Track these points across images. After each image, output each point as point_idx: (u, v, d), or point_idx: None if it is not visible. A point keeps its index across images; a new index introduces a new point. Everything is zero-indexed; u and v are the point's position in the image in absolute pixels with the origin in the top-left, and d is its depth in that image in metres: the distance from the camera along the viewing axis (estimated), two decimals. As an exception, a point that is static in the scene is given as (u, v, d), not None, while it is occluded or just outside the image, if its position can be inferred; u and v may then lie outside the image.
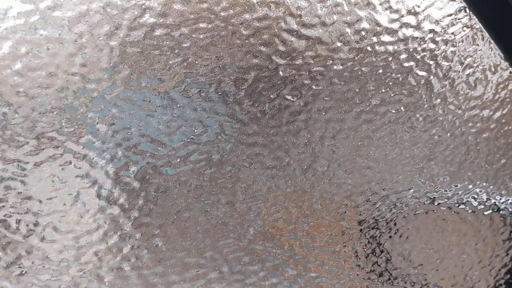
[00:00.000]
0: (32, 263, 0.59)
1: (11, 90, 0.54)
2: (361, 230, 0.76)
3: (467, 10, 0.69)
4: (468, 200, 0.83)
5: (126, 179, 0.60)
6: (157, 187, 0.62)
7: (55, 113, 0.55)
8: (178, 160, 0.63)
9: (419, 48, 0.68)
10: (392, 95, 0.68)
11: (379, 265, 0.79)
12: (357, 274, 0.78)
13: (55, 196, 0.58)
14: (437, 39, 0.69)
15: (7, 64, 0.53)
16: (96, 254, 0.62)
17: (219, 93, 0.61)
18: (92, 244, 0.61)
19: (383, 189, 0.74)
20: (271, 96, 0.63)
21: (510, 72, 0.76)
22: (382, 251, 0.79)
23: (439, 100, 0.72)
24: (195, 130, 0.62)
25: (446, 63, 0.70)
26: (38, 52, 0.53)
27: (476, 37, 0.72)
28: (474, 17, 0.70)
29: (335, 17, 0.62)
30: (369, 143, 0.70)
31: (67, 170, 0.58)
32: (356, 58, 0.64)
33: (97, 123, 0.57)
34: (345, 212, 0.73)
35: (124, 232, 0.62)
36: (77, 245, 0.60)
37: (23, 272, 0.59)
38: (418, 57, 0.68)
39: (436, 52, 0.69)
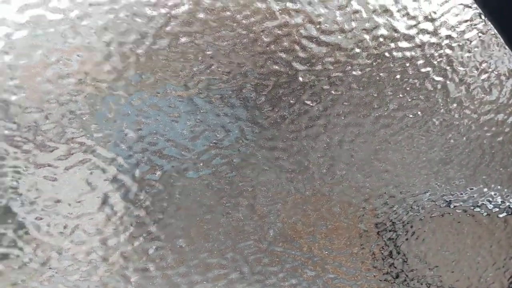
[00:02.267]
0: (62, 264, 0.61)
1: (42, 97, 0.56)
2: (378, 232, 0.77)
3: (482, 16, 0.71)
4: (483, 203, 0.84)
5: (152, 182, 0.62)
6: (181, 190, 0.64)
7: (84, 119, 0.57)
8: (201, 164, 0.64)
9: (435, 54, 0.69)
10: (409, 100, 0.70)
11: (395, 267, 0.80)
12: (374, 276, 0.79)
13: (84, 199, 0.60)
14: (453, 44, 0.70)
15: (38, 71, 0.55)
16: (123, 255, 0.63)
17: (241, 99, 0.63)
18: (119, 246, 0.63)
19: (400, 192, 0.75)
20: (291, 101, 0.65)
21: (526, 76, 0.77)
22: (398, 253, 0.80)
23: (455, 105, 0.73)
24: (217, 135, 0.64)
25: (462, 68, 0.71)
26: (68, 60, 0.55)
27: (491, 42, 0.73)
28: (489, 23, 0.71)
29: (353, 24, 0.63)
30: (386, 147, 0.71)
31: (95, 174, 0.60)
32: (374, 63, 0.66)
33: (124, 129, 0.59)
34: (363, 215, 0.74)
35: (149, 233, 0.64)
36: (104, 247, 0.62)
37: (53, 274, 0.61)
38: (435, 62, 0.69)
39: (452, 58, 0.70)
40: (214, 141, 0.64)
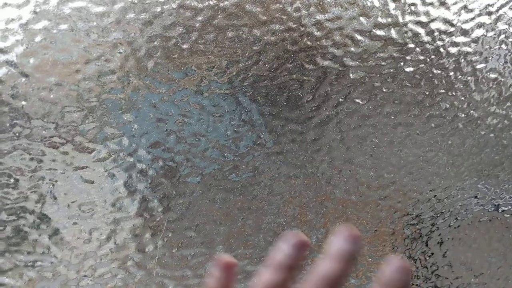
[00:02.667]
0: (97, 272, 0.58)
1: (82, 95, 0.52)
2: (423, 238, 0.73)
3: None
4: (529, 207, 0.80)
5: (191, 185, 0.59)
6: (224, 195, 0.60)
7: (125, 118, 0.54)
8: (244, 167, 0.61)
9: (491, 49, 0.65)
10: (462, 98, 0.66)
11: (439, 275, 0.76)
12: (418, 285, 0.75)
13: (121, 203, 0.56)
14: (510, 39, 0.66)
15: (79, 68, 0.51)
16: (160, 261, 0.60)
17: (287, 97, 0.59)
18: (156, 252, 0.59)
19: (448, 197, 0.71)
20: (340, 99, 0.61)
21: None
22: (444, 260, 0.76)
23: (509, 103, 0.69)
24: (261, 136, 0.60)
25: (517, 65, 0.67)
26: (110, 55, 0.51)
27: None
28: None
29: (408, 17, 0.59)
30: (436, 148, 0.67)
31: (134, 175, 0.56)
32: (428, 59, 0.62)
33: (166, 129, 0.56)
34: (410, 220, 0.70)
35: (188, 239, 0.60)
36: (143, 248, 0.59)
37: (89, 282, 0.57)
38: (490, 58, 0.65)
39: (508, 53, 0.66)
40: (258, 142, 0.60)
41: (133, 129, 0.54)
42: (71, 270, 0.57)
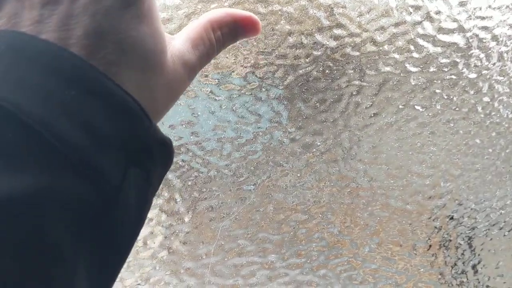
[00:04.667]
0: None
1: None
2: (476, 248, 0.71)
3: None
4: None
5: (245, 193, 0.57)
6: (277, 204, 0.59)
7: (183, 126, 0.53)
8: (298, 175, 0.59)
9: (556, 55, 0.62)
10: (523, 105, 0.63)
11: (490, 286, 0.74)
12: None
13: (179, 208, 0.55)
14: None
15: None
16: (212, 270, 0.59)
17: (346, 103, 0.57)
18: (210, 259, 0.58)
19: (503, 207, 0.69)
20: (400, 106, 0.59)
21: None
22: (496, 270, 0.73)
23: None
24: (318, 143, 0.58)
25: None
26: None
27: None
28: None
29: (473, 22, 0.57)
30: (495, 156, 0.65)
31: (189, 182, 0.55)
32: (491, 66, 0.59)
33: (223, 136, 0.54)
34: (464, 230, 0.68)
35: (241, 247, 0.59)
36: (196, 257, 0.58)
37: None
38: (554, 64, 0.63)
39: None
40: (314, 149, 0.58)
41: (191, 136, 0.53)
42: (125, 279, 0.56)
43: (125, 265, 0.55)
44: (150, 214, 0.55)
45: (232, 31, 0.24)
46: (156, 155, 0.20)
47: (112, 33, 0.19)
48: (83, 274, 0.17)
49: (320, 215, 0.61)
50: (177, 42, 0.23)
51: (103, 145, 0.17)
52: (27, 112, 0.16)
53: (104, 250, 0.18)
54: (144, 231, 0.55)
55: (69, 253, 0.16)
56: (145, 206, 0.20)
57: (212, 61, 0.50)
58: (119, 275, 0.56)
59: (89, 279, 0.17)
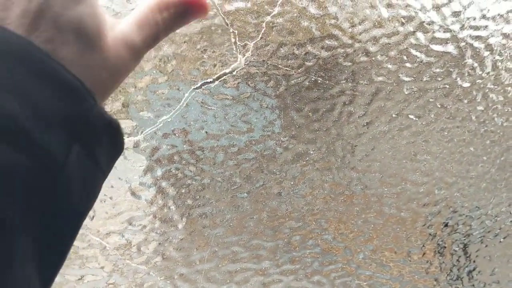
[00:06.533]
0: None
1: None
2: (471, 255, 0.71)
3: None
4: None
5: (238, 201, 0.58)
6: (270, 211, 0.59)
7: (176, 135, 0.53)
8: (292, 183, 0.60)
9: (552, 63, 0.62)
10: (519, 113, 0.63)
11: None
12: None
13: (172, 215, 0.56)
14: None
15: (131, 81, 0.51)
16: (206, 276, 0.60)
17: (339, 112, 0.57)
18: (203, 265, 0.59)
19: (498, 214, 0.69)
20: (393, 115, 0.59)
21: None
22: (492, 276, 0.74)
23: None
24: (311, 152, 0.59)
25: None
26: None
27: None
28: None
29: (466, 31, 0.57)
30: (490, 164, 0.65)
31: (182, 191, 0.56)
32: (485, 75, 0.59)
33: (217, 145, 0.55)
34: (458, 237, 0.68)
35: (234, 254, 0.60)
36: (189, 263, 0.58)
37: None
38: (550, 72, 0.62)
39: None
40: (307, 158, 0.59)
41: (184, 145, 0.54)
42: (120, 284, 0.58)
43: (119, 271, 0.56)
44: (143, 221, 0.56)
45: (180, 12, 0.25)
46: (101, 134, 0.21)
47: (49, 11, 0.20)
48: (29, 244, 0.17)
49: (314, 222, 0.62)
50: (122, 25, 0.23)
51: (46, 121, 0.18)
52: None
53: (53, 223, 0.19)
54: (138, 237, 0.56)
55: (12, 221, 0.16)
56: (93, 184, 0.21)
57: (202, 68, 0.51)
58: (113, 281, 0.57)
59: (37, 250, 0.18)
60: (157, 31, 0.24)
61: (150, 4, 0.24)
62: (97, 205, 0.54)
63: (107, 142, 0.21)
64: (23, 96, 0.18)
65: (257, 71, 0.53)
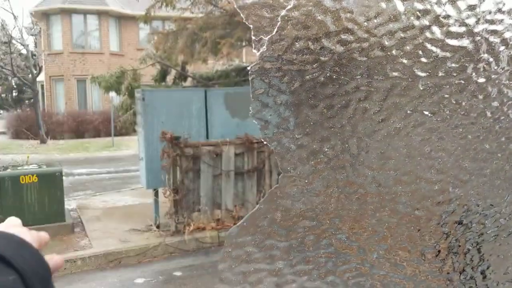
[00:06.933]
0: None
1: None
2: (485, 254, 0.70)
3: None
4: None
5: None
6: (284, 210, 0.58)
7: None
8: (306, 181, 0.59)
9: None
10: (533, 109, 0.62)
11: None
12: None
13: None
14: None
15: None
16: (220, 276, 0.58)
17: (354, 108, 0.56)
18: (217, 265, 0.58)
19: (510, 213, 0.68)
20: (408, 111, 0.58)
21: None
22: (505, 275, 0.73)
23: None
24: (325, 149, 0.58)
25: None
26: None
27: None
28: None
29: (482, 26, 0.56)
30: (504, 160, 0.64)
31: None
32: (500, 70, 0.59)
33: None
34: (472, 236, 0.67)
35: (248, 254, 0.59)
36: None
37: None
38: None
39: None
40: (321, 155, 0.58)
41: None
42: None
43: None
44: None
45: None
46: None
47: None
48: None
49: (328, 222, 0.61)
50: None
51: (38, 280, 0.43)
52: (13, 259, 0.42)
53: None
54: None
55: None
56: None
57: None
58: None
59: None
60: None
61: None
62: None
63: None
64: (25, 262, 0.42)
65: (272, 66, 0.52)
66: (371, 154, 0.59)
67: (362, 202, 0.61)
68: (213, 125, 5.41)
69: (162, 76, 8.64)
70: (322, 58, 0.53)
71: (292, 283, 0.62)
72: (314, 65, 0.53)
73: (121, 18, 19.32)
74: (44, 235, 0.50)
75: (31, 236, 0.47)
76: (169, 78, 8.81)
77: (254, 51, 0.50)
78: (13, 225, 0.48)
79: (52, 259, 0.47)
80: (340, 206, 0.60)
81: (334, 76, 0.54)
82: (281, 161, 0.57)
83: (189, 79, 8.75)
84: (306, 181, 0.58)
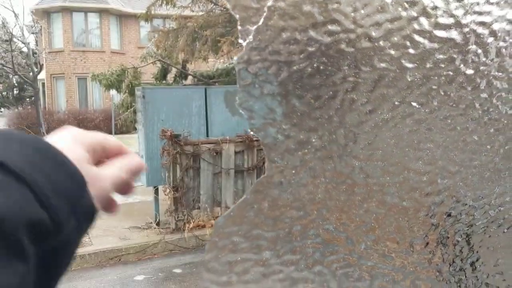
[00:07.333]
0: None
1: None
2: (474, 246, 0.70)
3: None
4: None
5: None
6: (271, 200, 0.58)
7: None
8: (293, 172, 0.59)
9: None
10: (522, 101, 0.62)
11: (489, 284, 0.73)
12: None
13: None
14: None
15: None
16: (206, 266, 0.59)
17: (341, 99, 0.57)
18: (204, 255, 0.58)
19: (502, 204, 0.68)
20: (396, 102, 0.58)
21: None
22: (495, 268, 0.73)
23: None
24: (313, 140, 0.58)
25: None
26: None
27: None
28: None
29: (470, 17, 0.56)
30: (493, 153, 0.64)
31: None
32: (489, 62, 0.59)
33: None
34: (461, 227, 0.68)
35: (235, 244, 0.59)
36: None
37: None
38: (553, 60, 0.62)
39: None
40: (309, 146, 0.58)
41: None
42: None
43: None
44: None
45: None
46: (87, 218, 0.34)
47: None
48: (33, 270, 0.29)
49: (315, 212, 0.61)
50: (109, 172, 0.39)
51: (59, 193, 0.31)
52: (19, 168, 0.30)
53: (49, 259, 0.31)
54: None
55: (27, 250, 0.28)
56: (76, 244, 0.34)
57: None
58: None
59: (36, 275, 0.29)
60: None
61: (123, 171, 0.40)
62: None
63: (87, 226, 0.35)
64: (47, 176, 0.31)
65: (258, 57, 0.52)
66: (358, 145, 0.59)
67: (350, 192, 0.61)
68: (213, 123, 5.41)
69: (162, 74, 8.65)
70: (309, 49, 0.53)
71: (279, 273, 0.62)
72: (301, 56, 0.53)
73: (122, 16, 19.33)
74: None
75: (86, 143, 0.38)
76: (170, 77, 8.82)
77: (241, 41, 0.50)
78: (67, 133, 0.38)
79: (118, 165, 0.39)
80: (328, 196, 0.61)
81: (321, 67, 0.54)
82: (268, 151, 0.57)
83: (190, 77, 8.75)
84: (294, 171, 0.58)
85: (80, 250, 5.01)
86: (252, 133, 0.55)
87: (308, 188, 0.60)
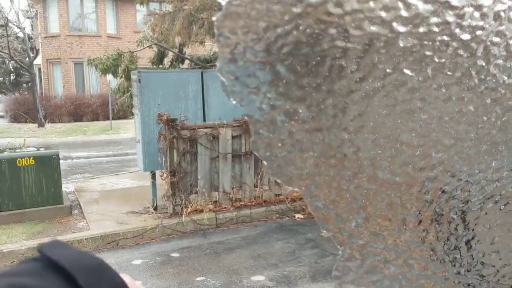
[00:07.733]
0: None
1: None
2: (470, 223, 0.68)
3: None
4: None
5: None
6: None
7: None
8: (280, 144, 0.56)
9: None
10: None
11: (485, 263, 0.71)
12: (462, 273, 0.70)
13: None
14: None
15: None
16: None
17: (329, 66, 0.53)
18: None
19: (499, 179, 0.65)
20: (388, 70, 0.55)
21: None
22: (492, 246, 0.70)
23: None
24: (300, 110, 0.55)
25: None
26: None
27: None
28: None
29: (467, -24, 0.52)
30: (490, 125, 0.61)
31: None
32: (487, 26, 0.55)
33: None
34: (457, 204, 0.65)
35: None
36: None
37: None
38: (556, 24, 0.58)
39: None
40: (296, 117, 0.55)
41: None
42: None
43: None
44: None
45: None
46: None
47: None
48: None
49: (304, 188, 0.58)
50: None
51: None
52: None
53: None
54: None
55: None
56: None
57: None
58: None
59: None
60: None
61: None
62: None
63: None
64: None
65: (240, 17, 0.48)
66: (348, 116, 0.56)
67: (340, 167, 0.58)
68: (210, 107, 5.36)
69: (159, 58, 8.56)
70: (295, 10, 0.50)
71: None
72: (286, 18, 0.49)
73: (118, 0, 19.09)
74: None
75: None
76: (167, 61, 8.73)
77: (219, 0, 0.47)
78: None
79: None
80: (316, 171, 0.57)
81: (308, 30, 0.50)
82: (253, 123, 0.54)
83: (187, 61, 8.67)
84: (280, 144, 0.55)
85: (78, 235, 5.01)
86: (234, 102, 0.52)
87: (296, 163, 0.57)
